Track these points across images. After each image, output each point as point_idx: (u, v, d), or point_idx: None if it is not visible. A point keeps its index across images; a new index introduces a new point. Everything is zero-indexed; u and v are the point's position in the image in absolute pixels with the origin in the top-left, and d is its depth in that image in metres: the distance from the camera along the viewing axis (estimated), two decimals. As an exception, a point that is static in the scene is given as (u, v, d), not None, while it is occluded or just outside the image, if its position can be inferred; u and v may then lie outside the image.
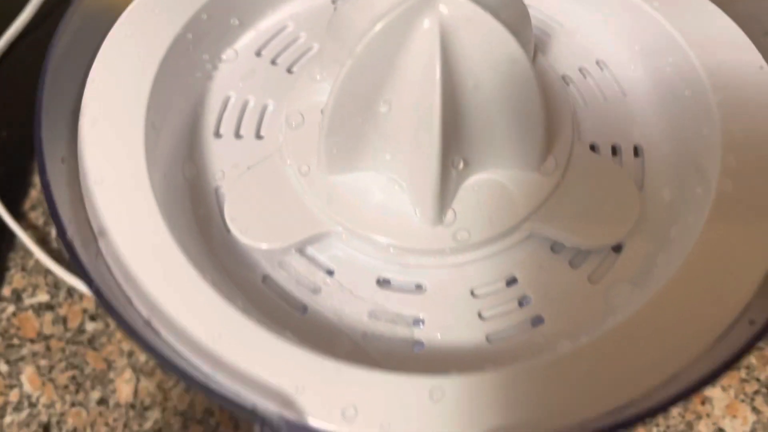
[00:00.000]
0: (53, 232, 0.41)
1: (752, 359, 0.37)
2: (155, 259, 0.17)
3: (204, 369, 0.15)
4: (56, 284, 0.39)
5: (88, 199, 0.17)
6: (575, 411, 0.15)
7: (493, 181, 0.19)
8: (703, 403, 0.36)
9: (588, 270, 0.19)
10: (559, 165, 0.19)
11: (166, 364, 0.15)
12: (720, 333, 0.16)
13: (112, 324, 0.38)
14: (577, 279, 0.19)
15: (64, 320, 0.39)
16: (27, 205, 0.42)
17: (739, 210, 0.17)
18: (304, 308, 0.19)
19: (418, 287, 0.19)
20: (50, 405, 0.36)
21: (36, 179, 0.42)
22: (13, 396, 0.37)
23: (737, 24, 0.20)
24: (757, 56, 0.19)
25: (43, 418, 0.36)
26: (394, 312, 0.19)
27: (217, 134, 0.21)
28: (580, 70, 0.22)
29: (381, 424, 0.15)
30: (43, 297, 0.39)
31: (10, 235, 0.41)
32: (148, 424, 0.36)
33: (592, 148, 0.20)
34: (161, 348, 0.15)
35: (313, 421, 0.15)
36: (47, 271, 0.40)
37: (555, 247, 0.19)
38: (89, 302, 0.39)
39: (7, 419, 0.36)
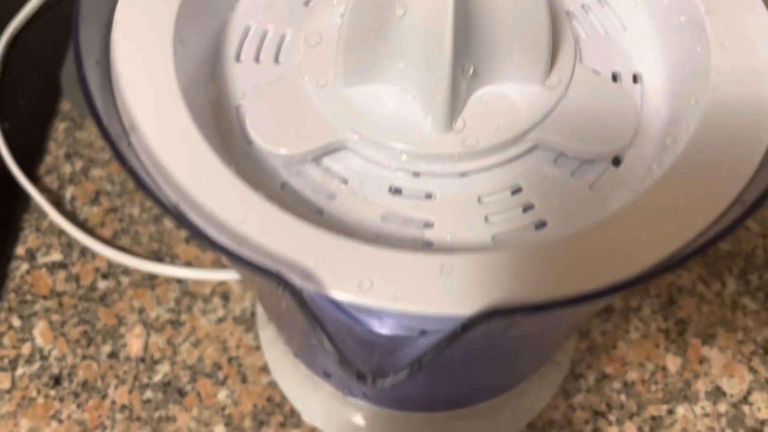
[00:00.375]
0: (68, 195, 0.42)
1: (749, 321, 0.38)
2: (183, 150, 0.18)
3: (228, 246, 0.16)
4: (69, 244, 0.41)
5: (120, 98, 0.19)
6: (571, 285, 0.16)
7: (501, 93, 0.20)
8: (701, 362, 0.37)
9: (589, 180, 0.20)
10: (562, 81, 0.20)
11: (195, 233, 0.15)
12: (714, 217, 0.17)
13: (124, 281, 0.39)
14: (579, 187, 0.20)
15: (77, 278, 0.40)
16: (42, 170, 0.43)
17: (730, 113, 0.18)
18: (320, 212, 0.20)
19: (428, 195, 0.20)
20: (62, 358, 0.37)
21: (51, 146, 0.44)
22: (25, 349, 0.38)
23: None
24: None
25: (55, 370, 0.37)
26: (405, 215, 0.20)
27: (238, 59, 0.22)
28: (582, 6, 0.23)
29: (394, 295, 0.16)
30: (56, 256, 0.40)
31: (25, 197, 0.42)
32: (157, 377, 0.37)
33: (595, 72, 0.22)
34: (191, 219, 0.16)
35: (331, 292, 0.16)
36: (61, 232, 0.41)
37: (558, 161, 0.20)
38: (101, 261, 0.40)
39: (19, 371, 0.37)
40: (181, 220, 0.16)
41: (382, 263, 0.16)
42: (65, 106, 0.45)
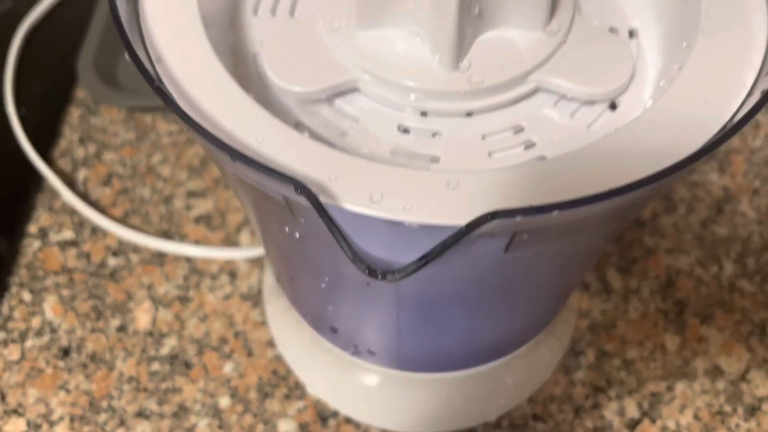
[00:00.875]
0: (80, 177, 0.43)
1: (746, 303, 0.38)
2: (206, 79, 0.19)
3: (249, 155, 0.17)
4: (81, 223, 0.42)
5: (147, 33, 0.20)
6: (569, 194, 0.17)
7: (505, 37, 0.21)
8: (699, 341, 0.37)
9: (587, 122, 0.21)
10: (561, 28, 0.21)
11: (214, 142, 0.16)
12: (704, 142, 0.18)
13: (134, 259, 0.40)
14: (578, 127, 0.21)
15: (88, 256, 0.41)
16: (56, 153, 0.44)
17: (719, 51, 0.19)
18: (332, 147, 0.21)
19: (435, 134, 0.21)
20: (71, 331, 0.38)
21: (65, 131, 0.45)
22: (35, 322, 0.38)
23: None
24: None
25: (64, 342, 0.38)
26: (413, 151, 0.21)
27: (255, 12, 0.24)
28: (581, -30, 0.25)
29: (404, 206, 0.17)
30: (68, 234, 0.41)
31: (39, 178, 0.43)
32: (164, 350, 0.37)
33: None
34: (212, 133, 0.17)
35: (344, 204, 0.17)
36: (73, 212, 0.42)
37: (558, 103, 0.21)
38: (112, 239, 0.41)
39: (28, 343, 0.38)
40: (204, 133, 0.17)
41: (392, 179, 0.17)
42: (80, 93, 0.47)
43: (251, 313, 0.38)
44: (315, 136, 0.21)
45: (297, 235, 0.21)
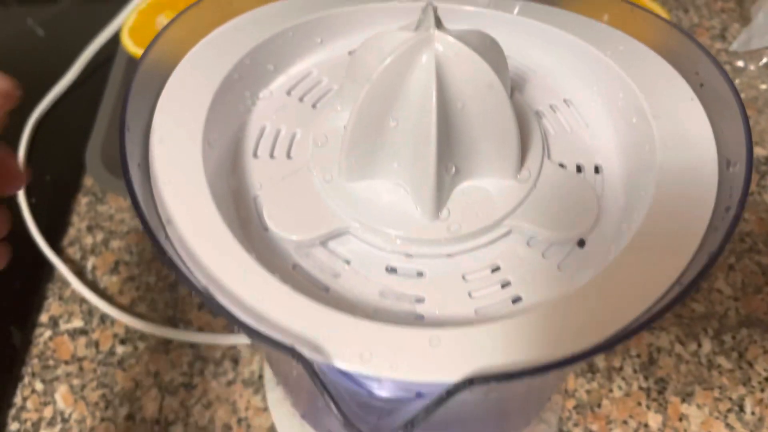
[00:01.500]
0: (89, 265, 0.45)
1: (724, 380, 0.40)
2: (211, 241, 0.21)
3: (250, 324, 0.19)
4: (90, 312, 0.44)
5: (157, 196, 0.22)
6: (546, 354, 0.19)
7: (479, 187, 0.23)
8: (680, 419, 0.39)
9: (557, 260, 0.23)
10: (531, 175, 0.24)
11: (221, 312, 0.19)
12: (658, 296, 0.20)
13: (141, 346, 0.42)
14: (549, 267, 0.23)
15: (96, 344, 0.43)
16: (66, 241, 0.46)
17: (674, 206, 0.22)
18: (326, 289, 0.23)
19: (419, 274, 0.23)
20: (81, 420, 0.40)
21: (74, 218, 0.47)
22: (47, 412, 0.40)
23: (673, 66, 0.25)
24: (688, 90, 0.24)
25: (75, 432, 0.39)
26: (400, 292, 0.23)
27: (255, 155, 0.26)
28: (551, 106, 0.27)
29: (391, 365, 0.19)
30: (77, 323, 0.43)
31: (50, 267, 0.45)
32: (171, 438, 0.39)
33: (561, 166, 0.25)
34: (218, 303, 0.19)
35: (336, 362, 0.19)
36: (82, 300, 0.44)
37: (530, 243, 0.24)
38: (120, 327, 0.43)
39: (42, 432, 0.39)
40: (211, 303, 0.19)
41: (379, 337, 0.19)
42: (88, 181, 0.49)
43: (253, 400, 0.40)
44: (311, 279, 0.23)
45: (295, 373, 0.23)
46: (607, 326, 0.19)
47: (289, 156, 0.26)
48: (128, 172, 0.21)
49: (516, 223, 0.23)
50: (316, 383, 0.18)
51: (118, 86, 0.50)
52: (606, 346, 0.19)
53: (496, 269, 0.23)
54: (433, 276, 0.23)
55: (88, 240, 0.46)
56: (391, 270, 0.23)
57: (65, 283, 0.44)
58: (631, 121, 0.25)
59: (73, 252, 0.46)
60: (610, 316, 0.19)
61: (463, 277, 0.23)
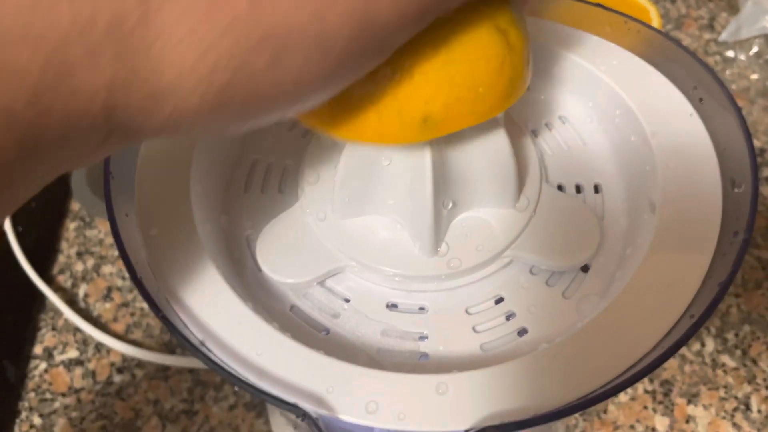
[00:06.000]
0: (81, 293, 0.44)
1: (729, 378, 0.40)
2: (205, 291, 0.20)
3: (251, 379, 0.19)
4: (85, 341, 0.43)
5: (147, 245, 0.21)
6: (555, 397, 0.18)
7: (478, 218, 0.23)
8: (687, 421, 0.39)
9: (562, 287, 0.23)
10: (531, 203, 0.23)
11: (222, 373, 0.18)
12: (667, 330, 0.19)
13: (139, 374, 0.41)
14: (554, 295, 0.23)
15: (93, 374, 0.42)
16: (56, 269, 0.46)
17: (679, 230, 0.21)
18: (326, 330, 0.22)
19: (421, 309, 0.23)
20: (82, 454, 0.39)
21: (63, 245, 0.46)
22: (48, 447, 0.39)
23: (670, 80, 0.24)
24: (687, 105, 0.24)
25: (77, 465, 0.39)
26: (402, 330, 0.22)
27: (246, 190, 0.25)
28: (546, 125, 0.26)
29: (398, 416, 0.18)
30: (72, 353, 0.43)
31: (41, 297, 0.44)
32: (174, 467, 0.39)
33: (559, 187, 0.24)
34: (216, 362, 0.18)
35: (342, 416, 0.18)
36: (76, 330, 0.43)
37: (533, 270, 0.23)
38: (116, 356, 0.42)
39: (43, 469, 0.39)
40: (207, 361, 0.18)
41: (385, 386, 0.19)
42: (75, 206, 0.48)
43: (256, 423, 0.39)
44: (309, 321, 0.22)
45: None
46: (619, 363, 0.19)
47: (281, 191, 0.25)
48: (116, 224, 0.20)
49: (517, 253, 0.22)
50: (322, 441, 0.17)
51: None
52: (618, 388, 0.18)
53: (499, 300, 0.23)
54: (435, 310, 0.23)
55: (79, 266, 0.45)
56: (392, 306, 0.23)
57: (57, 313, 0.44)
58: (630, 139, 0.24)
59: (64, 280, 0.45)
60: (621, 352, 0.19)
61: (467, 311, 0.22)
